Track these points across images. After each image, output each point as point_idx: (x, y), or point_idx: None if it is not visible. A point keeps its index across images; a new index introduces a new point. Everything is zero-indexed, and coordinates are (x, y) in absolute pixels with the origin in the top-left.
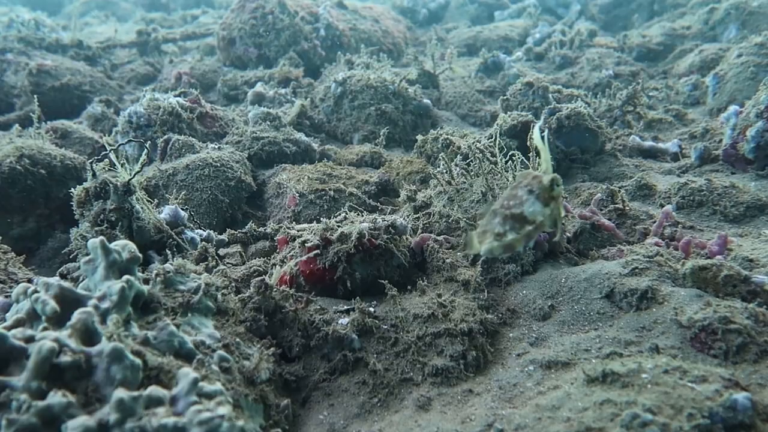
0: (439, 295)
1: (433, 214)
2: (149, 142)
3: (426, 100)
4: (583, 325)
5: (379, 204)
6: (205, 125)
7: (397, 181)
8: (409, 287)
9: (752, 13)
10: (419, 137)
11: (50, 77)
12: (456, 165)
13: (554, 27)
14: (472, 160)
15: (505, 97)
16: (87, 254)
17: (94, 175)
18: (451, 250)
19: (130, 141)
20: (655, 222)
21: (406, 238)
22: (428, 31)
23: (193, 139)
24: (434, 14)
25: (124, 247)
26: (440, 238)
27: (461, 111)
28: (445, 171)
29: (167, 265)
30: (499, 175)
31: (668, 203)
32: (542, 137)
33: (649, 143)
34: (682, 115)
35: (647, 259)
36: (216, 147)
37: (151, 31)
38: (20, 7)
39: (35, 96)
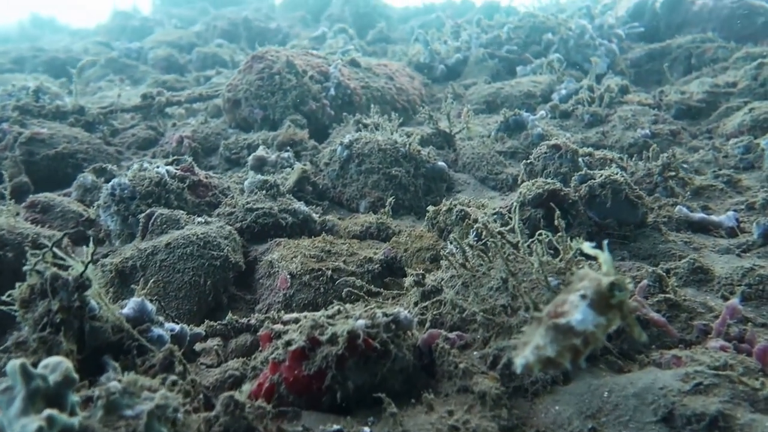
0: (451, 413)
1: (445, 304)
2: (131, 217)
3: (440, 163)
4: None
5: (381, 289)
6: (198, 195)
7: (405, 258)
8: (413, 400)
9: None
10: (430, 208)
11: (44, 146)
12: (470, 245)
13: (581, 83)
14: (487, 240)
15: (528, 161)
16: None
17: (37, 270)
18: (466, 350)
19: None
20: (716, 317)
21: (412, 334)
22: (446, 87)
23: (180, 212)
24: (452, 70)
25: (55, 367)
26: (452, 335)
27: (480, 174)
28: (457, 251)
29: (112, 384)
30: (522, 258)
31: (730, 292)
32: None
33: (699, 215)
34: (735, 182)
35: (714, 371)
36: (203, 221)
37: (156, 94)
38: (42, 75)
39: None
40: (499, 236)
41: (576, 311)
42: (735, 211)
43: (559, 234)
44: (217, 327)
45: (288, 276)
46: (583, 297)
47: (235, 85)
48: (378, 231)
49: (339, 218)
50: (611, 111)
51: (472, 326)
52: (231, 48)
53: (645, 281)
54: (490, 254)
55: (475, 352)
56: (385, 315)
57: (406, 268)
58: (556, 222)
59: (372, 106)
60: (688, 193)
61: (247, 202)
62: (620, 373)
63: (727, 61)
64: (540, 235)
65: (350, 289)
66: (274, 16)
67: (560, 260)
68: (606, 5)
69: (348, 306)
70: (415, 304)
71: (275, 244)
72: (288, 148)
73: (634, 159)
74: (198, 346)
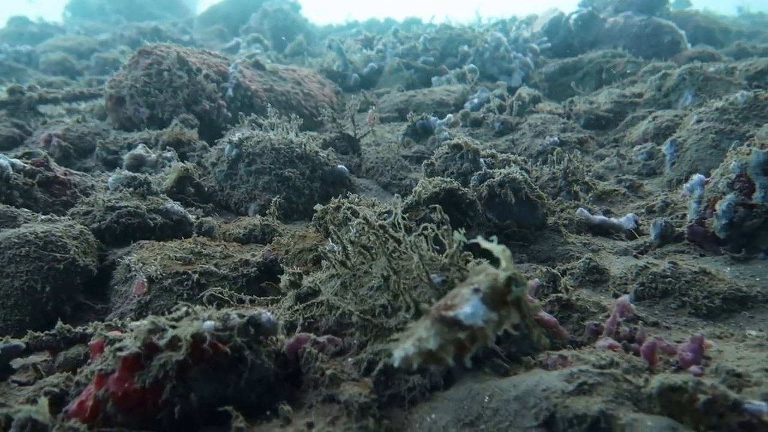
0: (310, 426)
1: (320, 306)
2: None
3: (341, 166)
4: None
5: (254, 297)
6: (53, 193)
7: (287, 260)
8: (269, 413)
9: (708, 79)
10: (318, 207)
11: None
12: (351, 241)
13: (494, 92)
14: (371, 236)
15: (429, 162)
16: None
17: None
18: (340, 356)
19: None
20: (609, 317)
21: (276, 340)
22: (358, 95)
23: (22, 210)
24: (367, 79)
25: None
26: (323, 339)
27: (383, 179)
28: (338, 248)
29: None
30: (406, 255)
31: (624, 291)
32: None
33: (599, 218)
34: (636, 187)
35: (599, 370)
36: (47, 219)
37: (26, 89)
38: None
39: None
40: (381, 230)
41: (466, 304)
42: (635, 214)
43: (444, 228)
44: (44, 338)
45: (145, 280)
46: (476, 291)
47: (118, 81)
48: (263, 234)
49: (224, 222)
50: (522, 119)
51: (349, 330)
52: None
53: (536, 280)
54: (372, 251)
55: (350, 358)
56: (241, 317)
57: (285, 270)
58: (438, 216)
59: (269, 107)
60: (591, 196)
61: (109, 200)
62: (506, 376)
63: (636, 75)
64: (425, 229)
65: (213, 294)
66: (191, 30)
67: (445, 256)
68: (522, 21)
69: (199, 308)
70: (290, 307)
71: (138, 246)
72: (171, 148)
73: (539, 164)
74: (18, 362)
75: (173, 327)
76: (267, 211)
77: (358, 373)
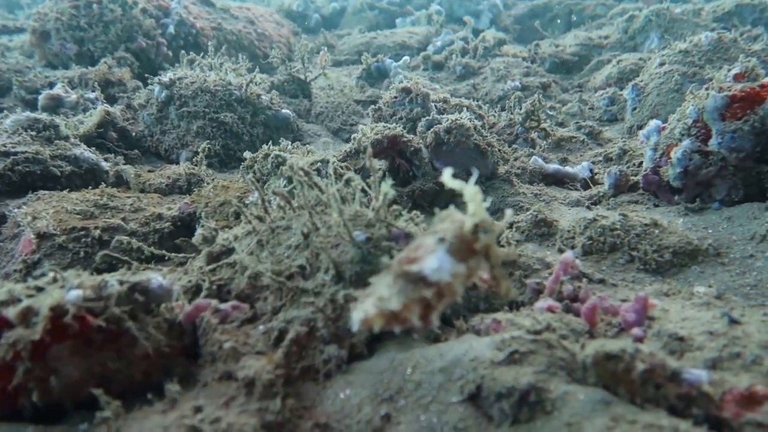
0: (198, 410)
1: (233, 266)
2: None
3: (285, 110)
4: None
5: (165, 254)
6: None
7: (206, 214)
8: (149, 395)
9: (675, 20)
10: (247, 154)
11: None
12: (274, 193)
13: (458, 34)
14: (295, 187)
15: (377, 107)
16: None
17: None
18: (250, 324)
19: None
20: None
21: (171, 308)
22: (318, 37)
23: None
24: (328, 20)
25: None
26: (227, 305)
27: (333, 125)
28: (257, 201)
29: None
30: (332, 207)
31: (572, 246)
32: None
33: (553, 166)
34: (596, 134)
35: (533, 336)
36: None
37: None
38: None
39: None
40: (305, 177)
41: (430, 257)
42: (592, 162)
43: (374, 178)
44: None
45: (33, 237)
46: (441, 240)
47: (44, 13)
48: (189, 185)
49: (149, 170)
50: (485, 63)
51: (264, 294)
52: None
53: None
54: (294, 204)
55: (261, 326)
56: (122, 283)
57: (201, 223)
58: (371, 164)
59: (210, 45)
60: (548, 143)
61: (4, 145)
62: (436, 342)
63: (605, 18)
64: (349, 181)
65: (108, 252)
66: None
67: (372, 210)
68: None
69: (71, 273)
70: (201, 268)
71: (35, 198)
72: (97, 88)
73: (497, 110)
74: None
75: (32, 294)
76: (194, 159)
77: (268, 344)
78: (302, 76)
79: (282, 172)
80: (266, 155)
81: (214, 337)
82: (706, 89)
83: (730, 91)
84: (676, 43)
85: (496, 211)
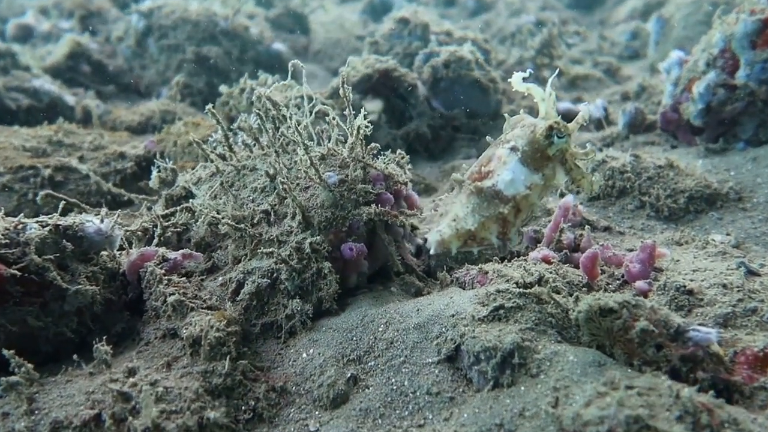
0: (132, 372)
1: (191, 211)
2: None
3: (277, 45)
4: (400, 420)
5: (122, 191)
6: None
7: (174, 154)
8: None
9: None
10: (223, 88)
11: None
12: (241, 129)
13: None
14: (265, 123)
15: (373, 40)
16: None
17: None
18: (210, 276)
19: None
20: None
21: (112, 257)
22: None
23: None
24: None
25: None
26: (176, 254)
27: (333, 64)
28: (221, 139)
29: None
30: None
31: (576, 192)
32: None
33: (564, 105)
34: (615, 70)
35: (521, 290)
36: None
37: None
38: None
39: None
40: (274, 109)
41: (504, 169)
42: (607, 101)
43: (348, 110)
44: None
45: None
46: (513, 149)
47: None
48: (163, 122)
49: (125, 108)
50: None
51: (225, 242)
52: None
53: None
54: (263, 140)
55: (220, 278)
56: (44, 226)
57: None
58: (344, 92)
59: None
60: (557, 82)
61: None
62: (418, 296)
63: None
64: (326, 116)
65: (51, 192)
66: None
67: (347, 148)
68: None
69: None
70: (160, 213)
71: None
72: (86, 18)
73: (507, 45)
74: None
75: None
76: (170, 94)
77: (225, 297)
78: (299, 9)
79: (253, 105)
80: (242, 90)
81: (159, 289)
82: (737, 13)
83: (764, 14)
84: None
85: None
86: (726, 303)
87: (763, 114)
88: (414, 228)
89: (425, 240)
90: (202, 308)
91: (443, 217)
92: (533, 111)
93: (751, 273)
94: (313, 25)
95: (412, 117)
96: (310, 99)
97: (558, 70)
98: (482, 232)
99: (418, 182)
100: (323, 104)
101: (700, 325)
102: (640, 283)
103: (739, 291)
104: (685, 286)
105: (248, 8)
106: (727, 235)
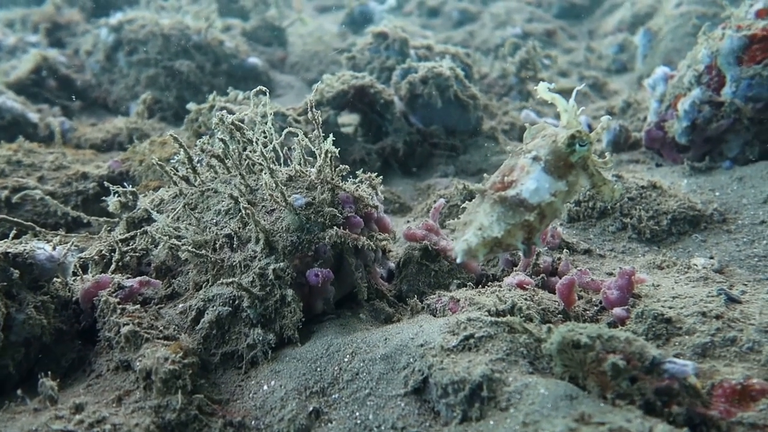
0: (79, 408)
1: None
2: None
3: (252, 59)
4: None
5: (81, 215)
6: None
7: (139, 174)
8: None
9: None
10: (191, 105)
11: None
12: (203, 151)
13: None
14: (229, 146)
15: (350, 55)
16: None
17: None
18: (157, 307)
19: None
20: None
21: (65, 284)
22: None
23: None
24: None
25: None
26: (133, 282)
27: (310, 75)
28: (184, 159)
29: None
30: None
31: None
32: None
33: (548, 121)
34: (601, 85)
35: (493, 318)
36: None
37: None
38: None
39: None
40: (238, 132)
41: (527, 178)
42: (591, 117)
43: (317, 131)
44: None
45: None
46: (536, 159)
47: None
48: (131, 141)
49: (91, 124)
50: (484, 8)
51: (187, 266)
52: None
53: (441, 200)
54: (229, 162)
55: (180, 305)
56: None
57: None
58: (313, 115)
59: None
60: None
61: None
62: (388, 323)
63: None
64: (295, 136)
65: (4, 217)
66: None
67: (316, 169)
68: None
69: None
70: (121, 236)
71: None
72: (54, 31)
73: (491, 58)
74: None
75: None
76: (137, 111)
77: (184, 327)
78: (277, 22)
79: (217, 126)
80: (211, 107)
81: (112, 319)
82: (723, 29)
83: (749, 30)
84: None
85: (477, 172)
86: (705, 332)
87: (749, 132)
88: (386, 251)
89: (397, 263)
90: (158, 338)
91: (467, 227)
92: (515, 126)
93: (731, 300)
94: (291, 37)
95: (387, 132)
96: (283, 116)
97: (584, 83)
98: (508, 239)
99: (392, 200)
100: (296, 120)
101: (676, 356)
102: (617, 311)
103: (718, 319)
104: (663, 315)
105: (225, 21)
106: (711, 258)
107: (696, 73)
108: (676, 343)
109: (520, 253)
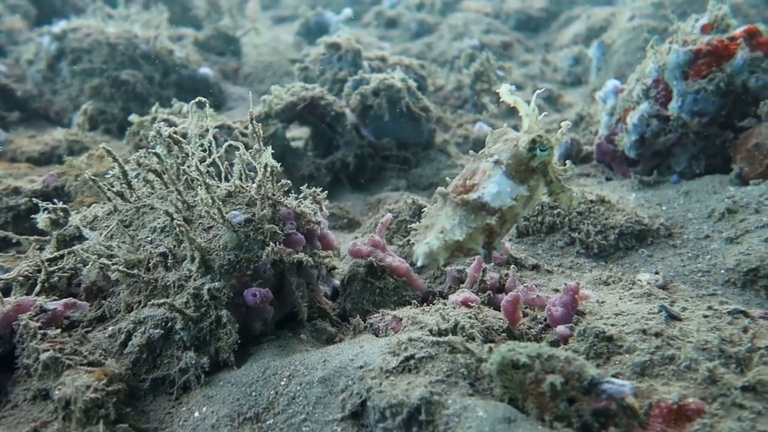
0: None
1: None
2: None
3: (204, 70)
4: None
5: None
6: None
7: (75, 189)
8: None
9: None
10: (133, 117)
11: None
12: (139, 165)
13: None
14: (165, 161)
15: (303, 66)
16: None
17: None
18: (84, 331)
19: None
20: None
21: None
22: None
23: None
24: None
25: None
26: (57, 305)
27: (264, 87)
28: (119, 174)
29: None
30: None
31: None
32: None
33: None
34: (555, 98)
35: (434, 338)
36: None
37: None
38: None
39: None
40: (176, 146)
41: (489, 182)
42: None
43: (257, 145)
44: None
45: None
46: (498, 163)
47: None
48: (70, 153)
49: (30, 136)
50: (443, 19)
51: (120, 287)
52: None
53: (388, 215)
54: (165, 177)
55: (110, 327)
56: None
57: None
58: (253, 128)
59: None
60: (499, 109)
61: None
62: (329, 343)
63: None
64: (237, 150)
65: None
66: None
67: (256, 184)
68: None
69: None
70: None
71: None
72: None
73: (446, 70)
74: None
75: None
76: (78, 122)
77: (112, 350)
78: (231, 32)
79: (154, 139)
80: (154, 119)
81: (32, 345)
82: (670, 43)
83: (695, 44)
84: None
85: (428, 186)
86: (644, 350)
87: (696, 146)
88: (332, 268)
89: (342, 281)
90: (81, 365)
91: (428, 230)
92: (469, 139)
93: (671, 317)
94: (246, 47)
95: (340, 146)
96: (229, 129)
97: (543, 89)
98: (469, 243)
99: (340, 216)
100: (242, 134)
101: (615, 375)
102: (561, 328)
103: (657, 337)
104: (604, 333)
105: (177, 30)
106: (656, 273)
107: (644, 87)
108: (617, 362)
109: (481, 257)
